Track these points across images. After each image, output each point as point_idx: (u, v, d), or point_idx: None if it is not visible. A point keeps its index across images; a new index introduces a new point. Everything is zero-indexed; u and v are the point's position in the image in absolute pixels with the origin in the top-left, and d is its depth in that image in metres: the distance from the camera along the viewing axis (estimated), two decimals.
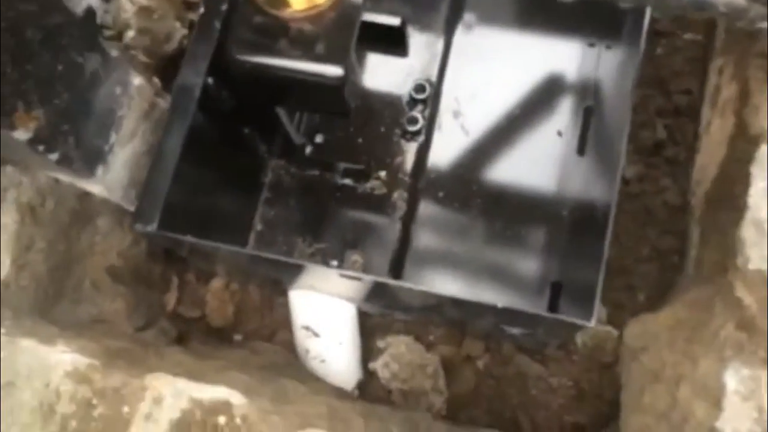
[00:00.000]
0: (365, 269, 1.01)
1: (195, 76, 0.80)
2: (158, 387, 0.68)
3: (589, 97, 1.03)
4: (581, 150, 1.01)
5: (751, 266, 0.66)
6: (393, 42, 1.07)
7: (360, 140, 1.08)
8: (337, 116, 1.01)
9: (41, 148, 0.64)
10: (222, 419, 0.67)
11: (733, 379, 0.64)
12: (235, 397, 0.68)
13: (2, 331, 0.70)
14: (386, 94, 1.09)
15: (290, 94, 0.86)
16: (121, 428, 0.67)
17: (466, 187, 1.03)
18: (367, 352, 1.00)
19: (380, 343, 1.00)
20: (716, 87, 0.90)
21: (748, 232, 0.67)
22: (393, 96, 1.08)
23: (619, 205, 0.86)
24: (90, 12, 0.66)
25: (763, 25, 0.59)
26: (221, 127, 0.90)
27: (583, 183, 0.98)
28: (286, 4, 0.78)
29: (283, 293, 1.02)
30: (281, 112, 0.97)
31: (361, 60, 1.10)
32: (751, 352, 0.65)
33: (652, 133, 1.08)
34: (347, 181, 1.08)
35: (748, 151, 0.70)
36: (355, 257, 1.03)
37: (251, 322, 1.04)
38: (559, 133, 1.03)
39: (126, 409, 0.68)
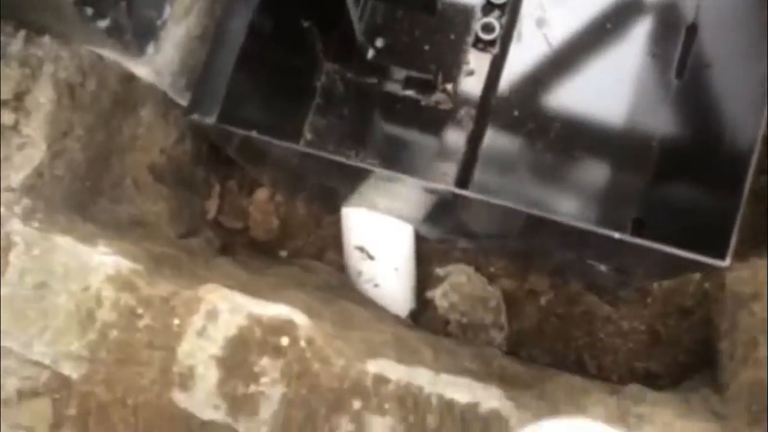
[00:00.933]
0: None
1: None
2: (213, 300, 0.60)
3: (690, 14, 0.91)
4: (680, 73, 0.90)
5: None
6: None
7: (426, 47, 0.97)
8: (422, 11, 0.89)
9: (89, 11, 0.53)
10: (285, 340, 0.59)
11: None
12: (298, 317, 0.60)
13: (35, 225, 0.61)
14: None
15: None
16: (170, 343, 0.59)
17: (544, 108, 0.92)
18: (424, 279, 0.91)
19: (439, 271, 0.91)
20: None
21: None
22: None
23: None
24: None
25: None
26: (281, 16, 0.79)
27: (678, 112, 0.88)
28: None
29: (333, 211, 0.93)
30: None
31: None
32: None
33: None
34: (409, 93, 0.97)
35: None
36: None
37: (297, 239, 0.95)
38: (653, 55, 0.91)
39: (176, 321, 0.59)
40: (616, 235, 0.59)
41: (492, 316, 0.89)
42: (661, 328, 0.88)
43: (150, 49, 0.63)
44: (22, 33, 0.62)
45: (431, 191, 0.70)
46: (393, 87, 0.96)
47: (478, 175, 0.92)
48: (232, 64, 0.65)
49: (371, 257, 0.87)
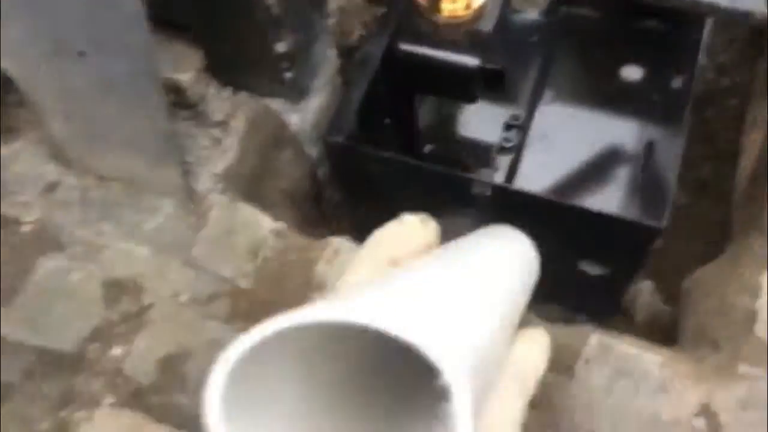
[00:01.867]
0: None
1: (367, 65, 1.11)
2: (335, 243, 0.93)
3: None
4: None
5: None
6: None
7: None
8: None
9: (285, 65, 0.94)
10: None
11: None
12: None
13: (226, 196, 0.97)
14: None
15: (436, 80, 1.16)
16: (309, 267, 0.91)
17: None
18: None
19: None
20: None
21: None
22: None
23: None
24: None
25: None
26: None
27: None
28: (440, 12, 1.11)
29: None
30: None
31: None
32: None
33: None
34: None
35: None
36: None
37: None
38: None
39: (312, 255, 0.92)
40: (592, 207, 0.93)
41: None
42: None
43: (302, 103, 1.03)
44: (229, 88, 1.03)
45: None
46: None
47: None
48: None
49: None
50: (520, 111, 1.38)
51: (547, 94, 1.38)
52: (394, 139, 1.34)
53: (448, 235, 1.17)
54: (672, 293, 1.16)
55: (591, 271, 1.09)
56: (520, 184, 1.28)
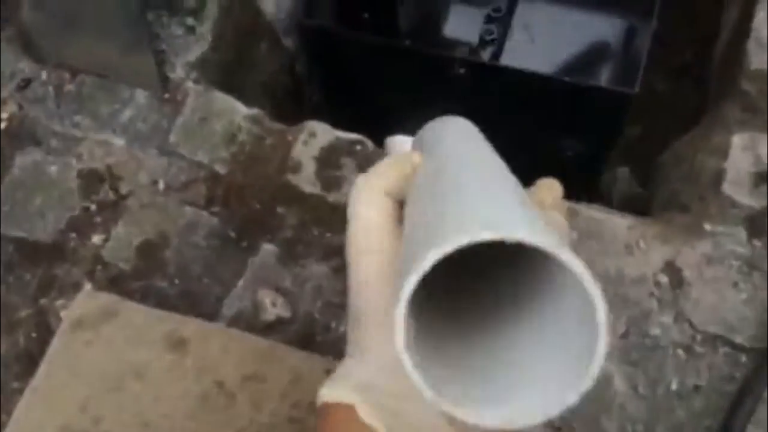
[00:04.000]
0: None
1: None
2: (313, 126, 0.94)
3: None
4: None
5: (753, 67, 0.91)
6: None
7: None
8: None
9: None
10: (359, 147, 0.92)
11: (737, 138, 0.88)
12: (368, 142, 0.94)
13: (201, 84, 0.97)
14: None
15: None
16: (285, 149, 0.92)
17: None
18: None
19: None
20: None
21: (751, 45, 0.92)
22: None
23: None
24: None
25: None
26: None
27: None
28: None
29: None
30: None
31: None
32: (752, 125, 0.89)
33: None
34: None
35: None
36: None
37: None
38: None
39: (289, 137, 0.93)
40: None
41: None
42: None
43: None
44: None
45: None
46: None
47: None
48: None
49: None
50: (501, 2, 1.37)
51: None
52: (372, 30, 1.33)
53: (430, 117, 1.18)
54: (648, 178, 1.18)
55: (571, 149, 1.11)
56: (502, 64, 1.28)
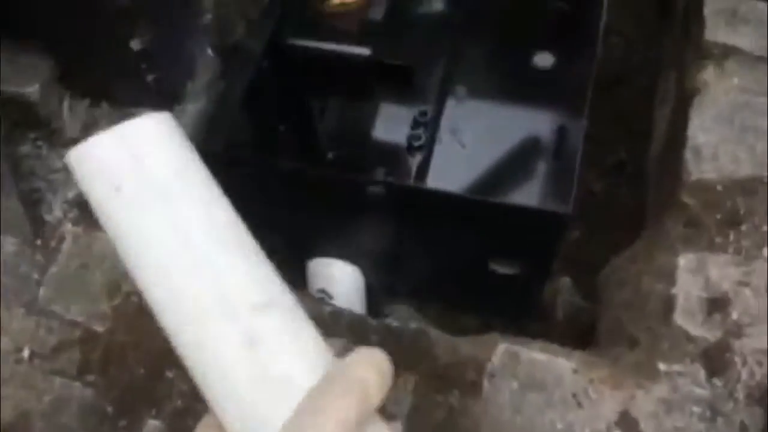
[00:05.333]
0: None
1: (249, 62, 1.00)
2: None
3: None
4: None
5: (693, 178, 0.83)
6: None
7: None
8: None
9: (144, 65, 0.83)
10: None
11: (683, 258, 0.79)
12: None
13: (81, 226, 0.84)
14: None
15: (327, 74, 1.06)
16: None
17: None
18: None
19: (386, 310, 1.12)
20: (663, 90, 1.12)
21: (688, 154, 0.85)
22: None
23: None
24: None
25: None
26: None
27: None
28: (328, 0, 1.01)
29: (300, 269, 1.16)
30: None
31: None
32: (696, 243, 0.80)
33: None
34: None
35: (685, 104, 0.90)
36: None
37: None
38: None
39: None
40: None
41: None
42: None
43: (176, 108, 0.92)
44: (87, 99, 0.91)
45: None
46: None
47: None
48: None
49: (330, 297, 1.09)
50: (428, 107, 1.30)
51: (456, 87, 1.30)
52: (288, 146, 1.23)
53: (355, 240, 1.07)
54: (592, 288, 1.08)
55: (504, 270, 1.01)
56: (430, 182, 1.19)
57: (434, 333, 0.78)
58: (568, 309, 1.10)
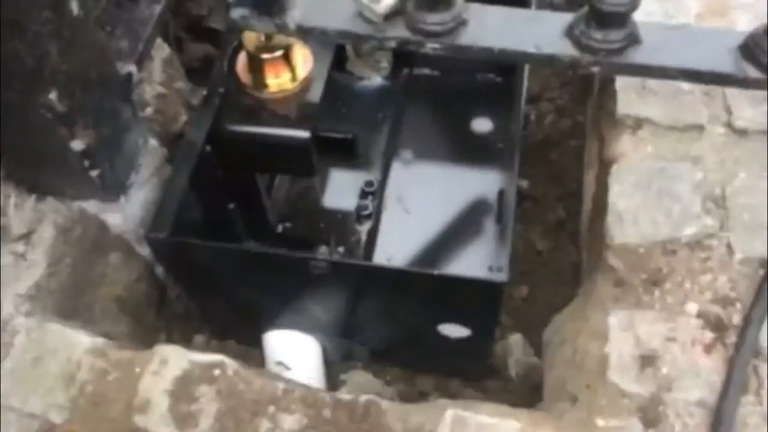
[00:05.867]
0: None
1: (192, 149, 1.04)
2: (164, 351, 0.84)
3: None
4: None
5: (616, 242, 0.90)
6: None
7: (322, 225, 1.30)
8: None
9: (87, 162, 0.86)
10: (218, 372, 0.82)
11: (613, 318, 0.84)
12: (229, 361, 0.84)
13: (34, 319, 0.86)
14: None
15: (269, 157, 1.11)
16: (133, 384, 0.81)
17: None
18: (331, 385, 1.15)
19: (343, 377, 1.15)
20: (588, 155, 1.19)
21: (611, 219, 0.91)
22: None
23: None
24: (129, 75, 0.92)
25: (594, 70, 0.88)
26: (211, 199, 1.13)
27: None
28: (266, 87, 1.07)
29: (257, 344, 1.18)
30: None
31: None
32: (625, 301, 0.86)
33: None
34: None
35: (606, 171, 0.97)
36: None
37: None
38: None
39: (137, 369, 0.82)
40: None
41: None
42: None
43: (122, 200, 0.95)
44: (33, 195, 0.93)
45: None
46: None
47: None
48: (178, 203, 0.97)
49: (288, 368, 1.11)
50: (374, 176, 1.35)
51: (401, 152, 1.36)
52: (236, 224, 1.27)
53: (308, 312, 1.09)
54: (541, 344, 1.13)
55: (453, 334, 1.05)
56: (378, 254, 1.23)
57: (385, 403, 0.81)
58: (520, 366, 1.15)
